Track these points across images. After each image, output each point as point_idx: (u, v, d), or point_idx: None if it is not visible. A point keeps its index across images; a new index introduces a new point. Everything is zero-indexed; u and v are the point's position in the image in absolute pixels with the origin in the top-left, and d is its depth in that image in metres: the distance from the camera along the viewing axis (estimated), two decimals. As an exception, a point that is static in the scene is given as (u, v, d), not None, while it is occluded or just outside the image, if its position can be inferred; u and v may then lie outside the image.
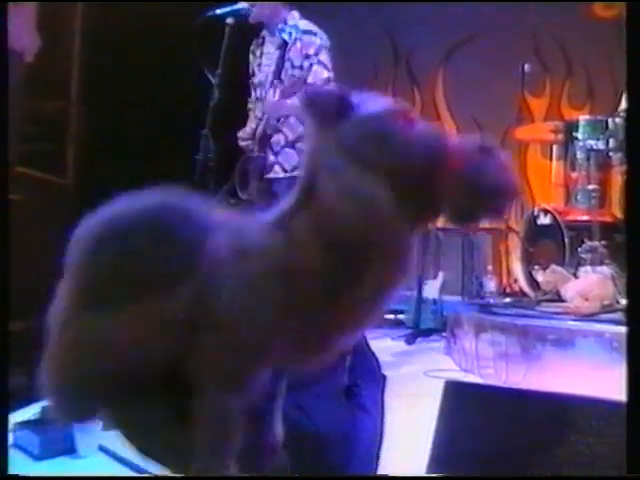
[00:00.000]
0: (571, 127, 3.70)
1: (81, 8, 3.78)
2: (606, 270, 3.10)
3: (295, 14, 2.79)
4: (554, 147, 4.00)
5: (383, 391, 1.32)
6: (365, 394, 1.26)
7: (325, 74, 2.71)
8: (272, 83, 2.72)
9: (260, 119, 2.75)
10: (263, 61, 2.80)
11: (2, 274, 1.07)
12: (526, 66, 4.01)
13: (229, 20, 2.33)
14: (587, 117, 3.67)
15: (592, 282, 3.00)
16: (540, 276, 3.41)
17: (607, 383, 2.39)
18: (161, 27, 3.90)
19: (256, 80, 2.90)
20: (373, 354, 1.36)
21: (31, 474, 1.59)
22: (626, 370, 1.21)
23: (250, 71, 2.90)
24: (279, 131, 2.74)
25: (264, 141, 2.70)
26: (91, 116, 3.66)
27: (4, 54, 1.16)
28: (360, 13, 5.57)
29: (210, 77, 2.26)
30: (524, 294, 3.72)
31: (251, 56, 2.87)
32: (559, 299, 3.13)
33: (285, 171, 2.80)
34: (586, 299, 2.90)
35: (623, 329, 2.50)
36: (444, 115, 5.70)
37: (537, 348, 2.77)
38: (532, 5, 5.13)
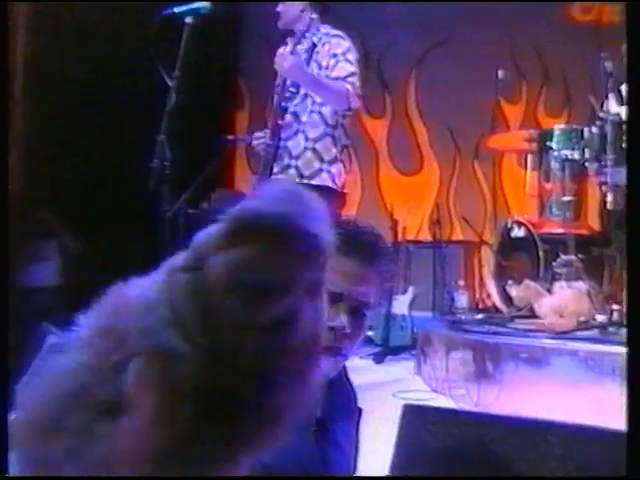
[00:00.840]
0: (546, 136, 3.78)
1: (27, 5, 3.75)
2: (582, 285, 3.18)
3: (318, 22, 3.02)
4: (529, 157, 4.08)
5: (358, 425, 1.32)
6: (338, 429, 1.26)
7: (350, 68, 2.90)
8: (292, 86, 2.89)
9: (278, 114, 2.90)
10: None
11: (2, 272, 1.12)
12: (500, 72, 4.09)
13: (188, 19, 2.34)
14: (562, 126, 3.78)
15: (567, 298, 3.07)
16: (513, 291, 3.47)
17: (583, 404, 2.45)
18: (116, 24, 3.89)
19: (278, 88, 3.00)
20: (351, 385, 1.38)
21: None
22: (626, 369, 1.24)
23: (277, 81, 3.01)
24: (297, 133, 2.82)
25: (278, 128, 2.85)
26: (36, 118, 3.63)
27: (4, 54, 1.18)
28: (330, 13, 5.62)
29: (167, 80, 2.26)
30: (497, 310, 3.77)
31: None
32: (533, 315, 3.20)
33: (302, 177, 2.83)
34: (561, 315, 2.96)
35: (598, 347, 2.58)
36: (416, 122, 5.79)
37: (510, 367, 2.82)
38: (508, 8, 5.27)
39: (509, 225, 3.85)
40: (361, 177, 5.76)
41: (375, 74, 5.79)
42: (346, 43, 2.98)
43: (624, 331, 2.76)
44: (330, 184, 2.91)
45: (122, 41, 3.84)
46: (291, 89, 2.90)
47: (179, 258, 0.73)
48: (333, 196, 2.84)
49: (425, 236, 5.24)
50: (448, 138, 5.62)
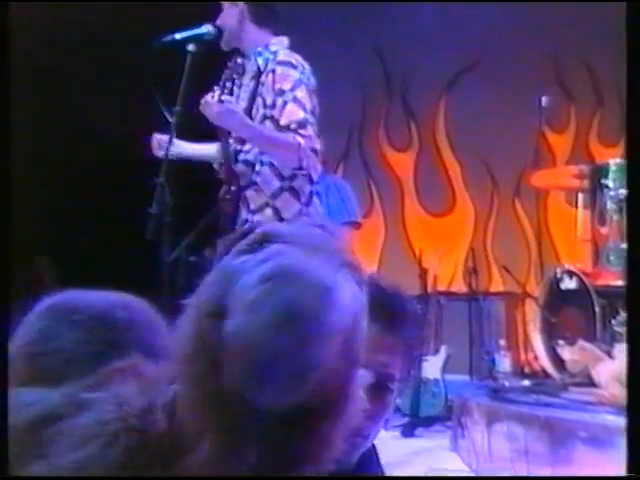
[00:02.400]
0: (600, 172, 3.75)
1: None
2: (647, 348, 3.12)
3: (284, 40, 2.74)
4: (580, 195, 4.08)
5: None
6: None
7: (301, 114, 2.58)
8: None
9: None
10: (241, 93, 2.72)
11: (3, 272, 1.16)
12: (543, 99, 4.11)
13: (191, 47, 2.36)
14: (619, 160, 3.74)
15: (630, 364, 3.01)
16: (566, 353, 3.44)
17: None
18: (112, 53, 4.01)
19: None
20: (381, 469, 1.36)
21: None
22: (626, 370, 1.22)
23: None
24: (253, 184, 2.68)
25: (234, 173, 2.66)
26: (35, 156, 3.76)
27: (4, 54, 1.25)
28: (347, 32, 5.71)
29: (167, 115, 2.27)
30: (547, 375, 3.73)
31: (235, 87, 2.74)
32: (591, 383, 3.14)
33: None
34: (624, 385, 2.91)
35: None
36: (447, 156, 5.82)
37: (565, 447, 2.76)
38: (552, 20, 5.31)
39: (558, 275, 3.83)
40: (384, 219, 5.78)
41: (399, 101, 5.85)
42: (295, 74, 2.62)
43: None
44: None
45: (120, 71, 3.93)
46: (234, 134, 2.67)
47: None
48: None
49: (459, 287, 5.22)
50: (484, 173, 5.64)
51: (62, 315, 1.08)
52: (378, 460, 1.35)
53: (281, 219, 2.63)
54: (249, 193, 2.65)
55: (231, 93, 2.64)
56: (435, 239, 5.54)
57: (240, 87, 2.69)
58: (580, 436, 2.72)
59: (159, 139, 2.64)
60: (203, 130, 2.69)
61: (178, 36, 2.39)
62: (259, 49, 2.67)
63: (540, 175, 4.41)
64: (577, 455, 2.71)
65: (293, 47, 2.73)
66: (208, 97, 2.53)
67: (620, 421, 2.65)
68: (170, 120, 2.28)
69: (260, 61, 2.64)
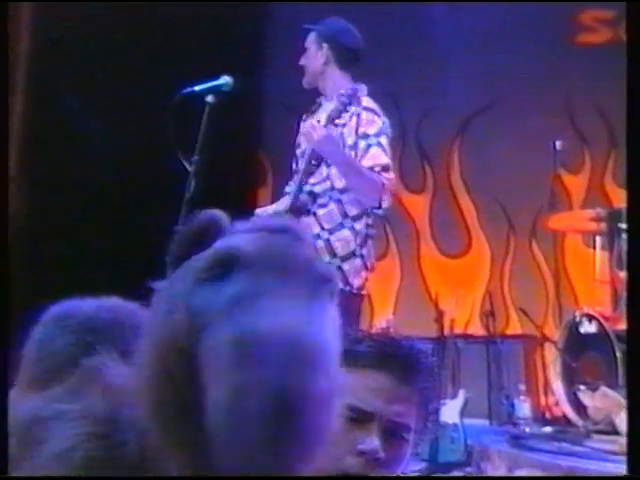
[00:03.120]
0: (617, 216, 3.73)
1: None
2: (671, 395, 3.04)
3: (364, 88, 2.83)
4: (597, 237, 4.04)
5: None
6: None
7: (384, 159, 2.69)
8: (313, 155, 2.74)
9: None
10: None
11: (3, 276, 1.19)
12: (557, 143, 4.10)
13: (209, 98, 2.38)
14: (636, 205, 3.72)
15: (654, 411, 2.94)
16: (588, 399, 3.37)
17: None
18: (129, 106, 4.06)
19: (299, 151, 2.94)
20: None
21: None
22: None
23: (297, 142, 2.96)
24: (310, 215, 2.72)
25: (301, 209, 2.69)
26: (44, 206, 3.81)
27: (4, 54, 1.28)
28: (361, 75, 5.75)
29: (186, 164, 2.28)
30: (568, 421, 3.65)
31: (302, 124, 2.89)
32: (614, 431, 3.07)
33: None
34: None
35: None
36: (462, 198, 5.80)
37: (589, 498, 2.68)
38: (564, 62, 5.34)
39: (577, 318, 3.78)
40: (400, 261, 5.75)
41: (414, 143, 5.86)
42: (380, 122, 2.76)
43: None
44: (341, 285, 2.63)
45: (135, 123, 3.99)
46: (313, 162, 2.73)
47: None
48: (345, 299, 2.46)
49: (476, 329, 5.16)
50: (500, 215, 5.62)
51: (58, 322, 1.11)
52: None
53: (334, 255, 2.67)
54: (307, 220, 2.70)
55: None
56: (451, 281, 5.49)
57: (326, 125, 2.74)
58: (604, 486, 2.64)
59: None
60: (218, 176, 2.72)
61: (197, 88, 2.42)
62: (342, 91, 2.77)
63: (557, 218, 4.38)
64: (601, 507, 2.64)
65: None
66: (314, 121, 2.72)
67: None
68: (189, 169, 2.29)
69: (344, 99, 2.72)
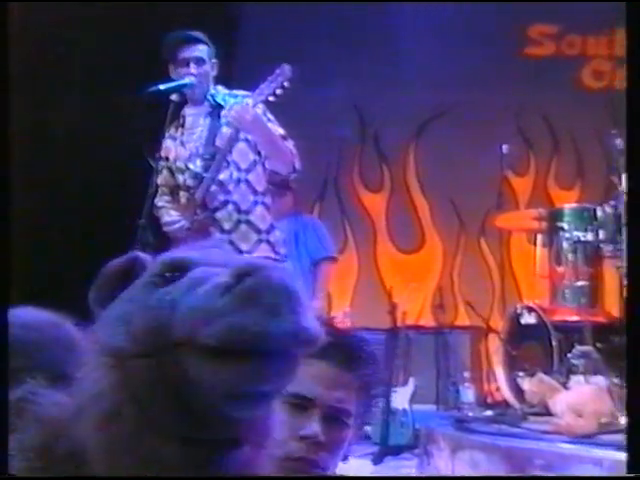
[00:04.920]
0: (556, 215, 3.86)
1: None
2: (601, 380, 3.16)
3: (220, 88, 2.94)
4: (538, 235, 4.15)
5: None
6: None
7: (281, 130, 2.84)
8: (206, 154, 2.79)
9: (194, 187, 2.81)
10: (185, 137, 2.87)
11: (3, 272, 1.10)
12: (504, 147, 4.21)
13: (174, 97, 2.40)
14: (573, 205, 3.86)
15: (586, 395, 3.05)
16: (526, 385, 3.45)
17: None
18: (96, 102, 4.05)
19: (179, 163, 2.92)
20: None
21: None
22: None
23: (171, 157, 2.91)
24: (226, 203, 2.79)
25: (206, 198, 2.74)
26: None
27: (4, 54, 1.25)
28: (323, 80, 5.81)
29: (150, 161, 2.30)
30: (508, 405, 3.73)
31: (169, 141, 2.88)
32: (548, 413, 3.15)
33: (240, 252, 2.79)
34: (579, 415, 2.92)
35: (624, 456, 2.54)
36: (417, 197, 5.91)
37: (524, 474, 2.77)
38: (514, 74, 5.49)
39: (519, 311, 3.87)
40: (357, 256, 5.81)
41: (372, 145, 5.94)
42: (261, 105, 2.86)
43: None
44: (272, 255, 2.86)
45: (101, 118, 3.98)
46: (205, 156, 2.81)
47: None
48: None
49: (428, 321, 5.25)
50: (452, 213, 5.72)
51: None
52: None
53: (259, 231, 2.76)
54: (220, 214, 2.77)
55: None
56: (405, 275, 5.59)
57: (183, 134, 2.87)
58: (537, 464, 2.73)
59: None
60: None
61: (162, 87, 2.44)
62: (212, 92, 2.88)
63: (504, 217, 4.49)
64: (534, 482, 2.73)
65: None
66: (244, 104, 2.73)
67: (574, 449, 2.69)
68: (154, 166, 2.31)
69: (219, 99, 2.85)
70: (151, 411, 0.80)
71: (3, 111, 1.24)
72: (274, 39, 5.43)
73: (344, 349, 1.24)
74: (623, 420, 2.85)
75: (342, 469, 1.31)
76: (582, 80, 5.77)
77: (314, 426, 1.17)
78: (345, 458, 1.32)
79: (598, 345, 3.46)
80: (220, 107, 2.82)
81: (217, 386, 0.77)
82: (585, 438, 2.79)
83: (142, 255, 0.91)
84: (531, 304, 3.84)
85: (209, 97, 2.86)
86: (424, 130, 5.85)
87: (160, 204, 2.85)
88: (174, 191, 2.88)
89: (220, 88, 2.95)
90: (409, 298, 4.88)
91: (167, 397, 0.79)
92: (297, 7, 5.48)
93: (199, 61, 2.81)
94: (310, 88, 5.44)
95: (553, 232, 3.82)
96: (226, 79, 3.09)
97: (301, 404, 1.18)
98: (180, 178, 2.88)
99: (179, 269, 0.83)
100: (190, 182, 2.83)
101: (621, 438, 2.70)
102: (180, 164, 2.90)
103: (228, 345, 0.75)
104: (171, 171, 2.90)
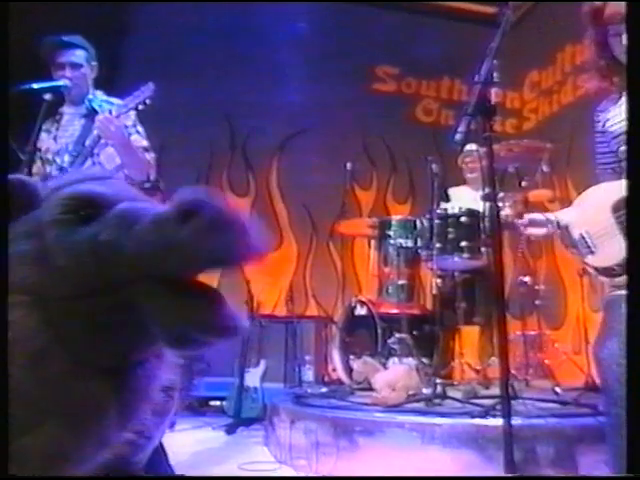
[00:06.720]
0: (385, 225, 4.09)
1: None
2: (412, 361, 3.40)
3: (99, 93, 2.89)
4: (372, 241, 4.37)
5: None
6: None
7: (144, 142, 2.81)
8: (74, 151, 2.74)
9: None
10: (59, 133, 2.82)
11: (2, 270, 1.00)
12: (348, 165, 4.42)
13: (47, 96, 2.35)
14: (398, 217, 4.14)
15: (399, 373, 3.25)
16: (355, 365, 3.63)
17: (411, 472, 2.60)
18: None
19: (49, 155, 2.86)
20: (169, 466, 1.38)
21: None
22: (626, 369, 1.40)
23: (43, 148, 2.84)
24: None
25: None
26: None
27: (4, 54, 1.16)
28: (202, 97, 5.79)
29: (20, 154, 2.24)
30: (341, 383, 3.90)
31: (44, 134, 2.83)
32: (370, 389, 3.31)
33: None
34: (393, 389, 3.12)
35: (423, 419, 2.76)
36: (277, 203, 6.03)
37: (346, 439, 2.91)
38: (364, 107, 5.78)
39: (353, 304, 4.06)
40: (222, 252, 5.81)
41: (241, 155, 6.00)
42: (133, 116, 2.81)
43: (447, 402, 2.98)
44: None
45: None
46: (73, 153, 2.76)
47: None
48: None
49: (281, 311, 5.36)
50: (306, 219, 5.89)
51: None
52: (167, 460, 1.37)
53: None
54: None
55: None
56: (264, 272, 5.67)
57: (59, 129, 2.80)
58: (357, 430, 2.88)
59: None
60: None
61: (36, 86, 2.38)
62: (90, 96, 2.84)
63: (346, 224, 4.69)
64: (355, 444, 2.87)
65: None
66: (106, 114, 2.63)
67: (384, 417, 2.86)
68: (23, 158, 2.25)
69: (95, 105, 2.80)
70: (78, 347, 0.74)
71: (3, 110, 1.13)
72: (157, 46, 5.39)
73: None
74: (425, 391, 3.11)
75: (199, 437, 1.32)
76: (415, 115, 6.21)
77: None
78: (172, 426, 1.33)
79: (414, 333, 3.70)
80: (95, 112, 2.77)
81: (171, 317, 0.74)
82: (395, 407, 2.98)
83: (29, 180, 0.80)
84: (362, 298, 4.03)
85: (86, 101, 2.82)
86: (286, 145, 5.99)
87: None
88: (45, 180, 2.79)
89: (99, 93, 2.89)
90: (264, 290, 4.97)
91: (98, 332, 0.74)
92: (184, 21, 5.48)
93: (75, 66, 2.75)
94: (191, 105, 5.45)
95: (382, 238, 4.05)
96: (109, 81, 3.02)
97: None
98: (48, 169, 2.82)
99: (93, 206, 0.75)
100: (56, 174, 2.76)
101: (421, 405, 2.95)
102: (49, 156, 2.84)
103: (188, 276, 0.71)
104: (42, 161, 2.83)
